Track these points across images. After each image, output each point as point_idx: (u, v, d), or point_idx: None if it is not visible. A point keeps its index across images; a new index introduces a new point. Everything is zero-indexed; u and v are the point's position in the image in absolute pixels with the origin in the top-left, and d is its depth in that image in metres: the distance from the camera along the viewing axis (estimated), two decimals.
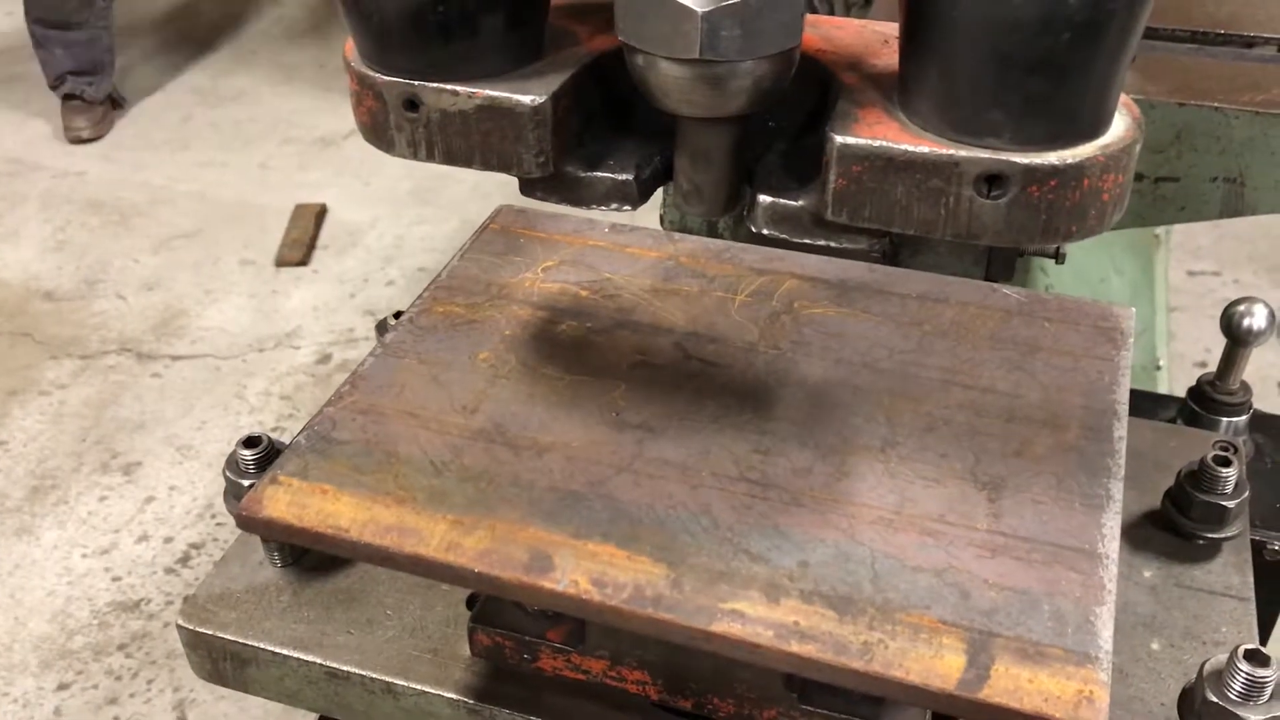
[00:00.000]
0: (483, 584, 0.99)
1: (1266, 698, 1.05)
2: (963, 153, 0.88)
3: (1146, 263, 2.53)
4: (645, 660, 1.13)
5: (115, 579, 2.95)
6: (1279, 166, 1.61)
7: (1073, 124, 0.89)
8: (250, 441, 1.27)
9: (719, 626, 0.94)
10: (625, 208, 1.05)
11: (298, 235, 4.20)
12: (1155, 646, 1.25)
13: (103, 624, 2.84)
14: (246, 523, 1.04)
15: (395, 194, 4.43)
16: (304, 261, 4.10)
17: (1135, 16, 0.86)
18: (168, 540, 3.06)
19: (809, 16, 1.01)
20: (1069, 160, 0.87)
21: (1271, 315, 1.58)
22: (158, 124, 5.02)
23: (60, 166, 4.68)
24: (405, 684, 1.21)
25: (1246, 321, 1.57)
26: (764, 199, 1.00)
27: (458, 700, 1.20)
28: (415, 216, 4.27)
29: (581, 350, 1.26)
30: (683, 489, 1.07)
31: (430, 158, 1.03)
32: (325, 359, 3.64)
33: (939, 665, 0.91)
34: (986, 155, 0.88)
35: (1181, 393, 1.68)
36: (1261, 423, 1.69)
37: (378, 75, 1.01)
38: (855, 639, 0.93)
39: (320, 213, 4.33)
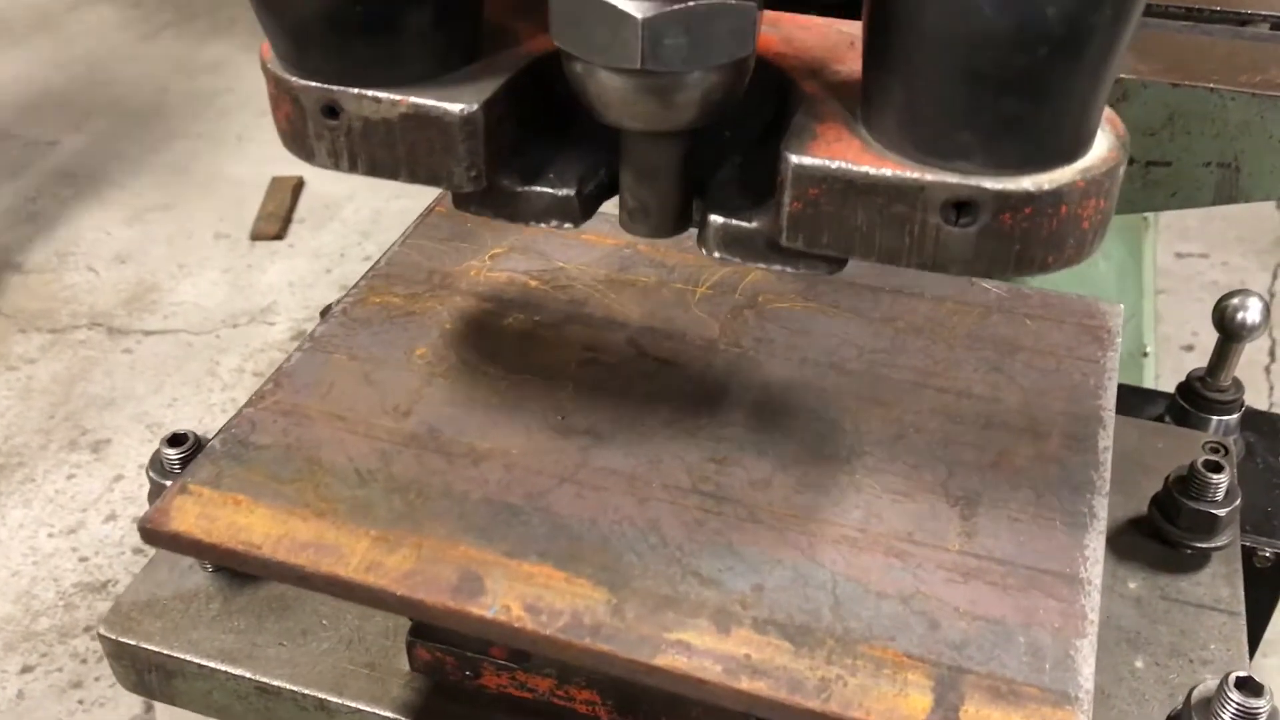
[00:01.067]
0: (405, 609, 0.92)
1: None
2: (929, 176, 0.79)
3: (1135, 246, 2.47)
4: (595, 680, 1.06)
5: (82, 559, 2.90)
6: (1275, 151, 1.54)
7: (1050, 146, 0.80)
8: (175, 439, 1.19)
9: (663, 660, 0.87)
10: (566, 225, 0.96)
11: (274, 208, 4.16)
12: (1139, 664, 1.18)
13: (69, 605, 2.80)
14: (151, 536, 0.96)
15: None
16: (280, 235, 4.07)
17: (1121, 29, 0.76)
18: (137, 520, 3.00)
19: (769, 14, 0.92)
20: (1045, 186, 0.79)
21: (1266, 308, 1.51)
22: (132, 93, 4.93)
23: (31, 135, 4.59)
24: (340, 701, 1.14)
25: (1241, 315, 1.50)
26: (715, 220, 0.91)
27: (395, 718, 1.13)
28: (394, 190, 4.17)
29: (527, 347, 1.18)
30: (630, 502, 0.99)
31: (353, 169, 0.93)
32: (300, 335, 3.57)
33: (903, 706, 0.83)
34: (955, 180, 0.79)
35: (1168, 377, 1.61)
36: (1253, 420, 1.63)
37: (294, 79, 0.91)
38: (812, 674, 0.86)
39: (297, 186, 4.28)
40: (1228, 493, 1.26)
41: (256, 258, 3.94)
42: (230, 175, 4.34)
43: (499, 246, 1.30)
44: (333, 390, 1.10)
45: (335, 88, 0.90)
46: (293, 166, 4.39)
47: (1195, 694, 1.02)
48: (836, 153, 0.81)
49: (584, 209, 0.95)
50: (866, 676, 0.86)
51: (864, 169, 0.80)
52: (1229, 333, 1.52)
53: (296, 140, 0.94)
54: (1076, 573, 0.93)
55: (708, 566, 0.94)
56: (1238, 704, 0.97)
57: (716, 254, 0.92)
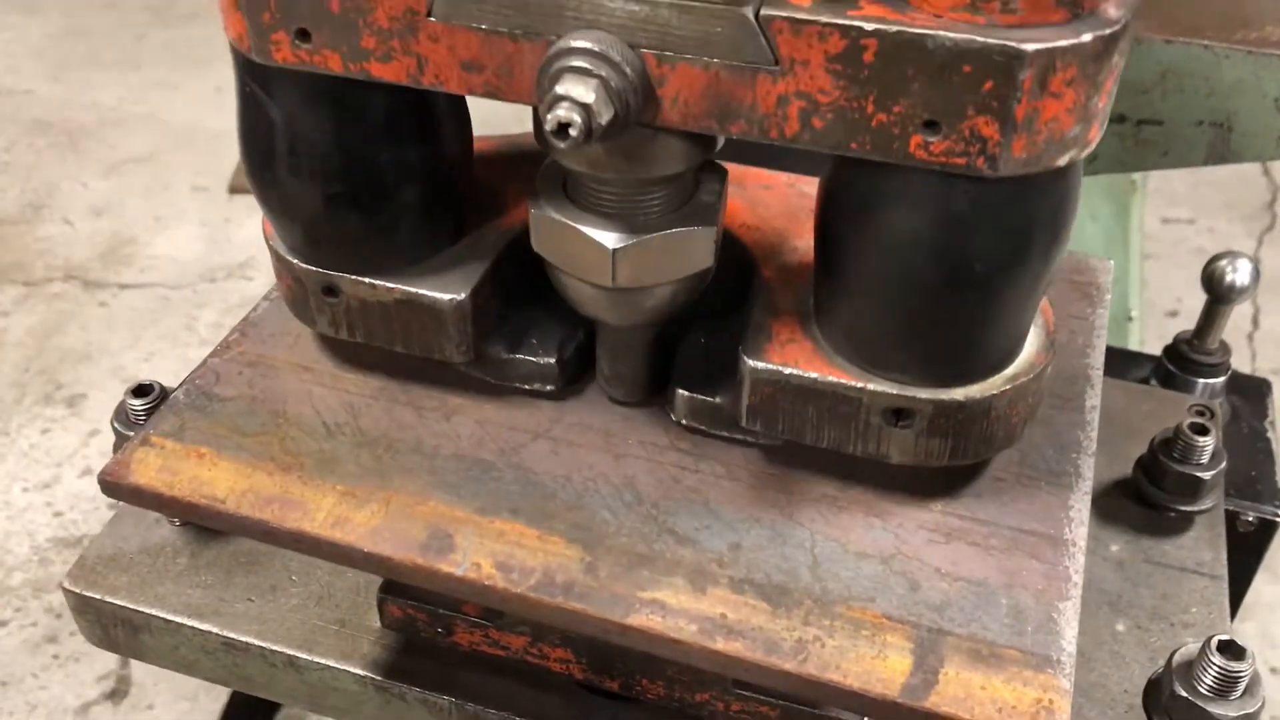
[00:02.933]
0: (373, 566, 0.89)
1: (1240, 692, 0.97)
2: (871, 386, 0.88)
3: (1122, 209, 2.44)
4: (569, 638, 1.04)
5: (57, 514, 2.88)
6: (1270, 112, 1.51)
7: (980, 362, 0.88)
8: (140, 390, 1.16)
9: (636, 619, 0.85)
10: (549, 387, 1.03)
11: None
12: (1120, 628, 1.17)
13: (43, 560, 2.78)
14: (111, 489, 0.93)
15: None
16: None
17: (1048, 266, 0.83)
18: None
19: (734, 171, 1.00)
20: (975, 396, 0.87)
21: (1255, 270, 1.49)
22: (109, 43, 4.86)
23: (5, 85, 4.51)
24: (309, 657, 1.13)
25: (1230, 277, 1.48)
26: (682, 393, 1.00)
27: (365, 676, 1.11)
28: None
29: None
30: (605, 459, 0.97)
31: (352, 337, 1.02)
32: None
33: (881, 668, 0.81)
34: (894, 391, 0.88)
35: (1152, 343, 1.60)
36: (1239, 384, 1.61)
37: (296, 262, 0.98)
38: (789, 636, 0.83)
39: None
40: (1213, 455, 1.25)
41: (235, 211, 3.90)
42: (208, 127, 4.27)
43: None
44: (300, 340, 1.07)
45: (333, 273, 0.98)
46: None
47: (1176, 657, 1.01)
48: (789, 357, 0.90)
49: (564, 374, 1.03)
50: (845, 638, 0.84)
51: (812, 375, 0.89)
52: (1217, 295, 1.50)
53: (299, 307, 1.02)
54: (1061, 534, 0.91)
55: (684, 524, 0.92)
56: (1220, 667, 0.96)
57: (683, 421, 1.00)
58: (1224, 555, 1.25)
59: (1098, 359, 1.08)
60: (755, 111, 0.77)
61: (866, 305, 0.86)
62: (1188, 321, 1.42)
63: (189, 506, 0.92)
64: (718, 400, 0.98)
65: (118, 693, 2.52)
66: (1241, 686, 0.97)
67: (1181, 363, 1.57)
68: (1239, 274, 1.48)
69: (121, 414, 1.17)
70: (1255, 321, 3.33)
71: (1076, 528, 0.92)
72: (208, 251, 3.70)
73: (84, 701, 2.50)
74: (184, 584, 1.19)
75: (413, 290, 0.96)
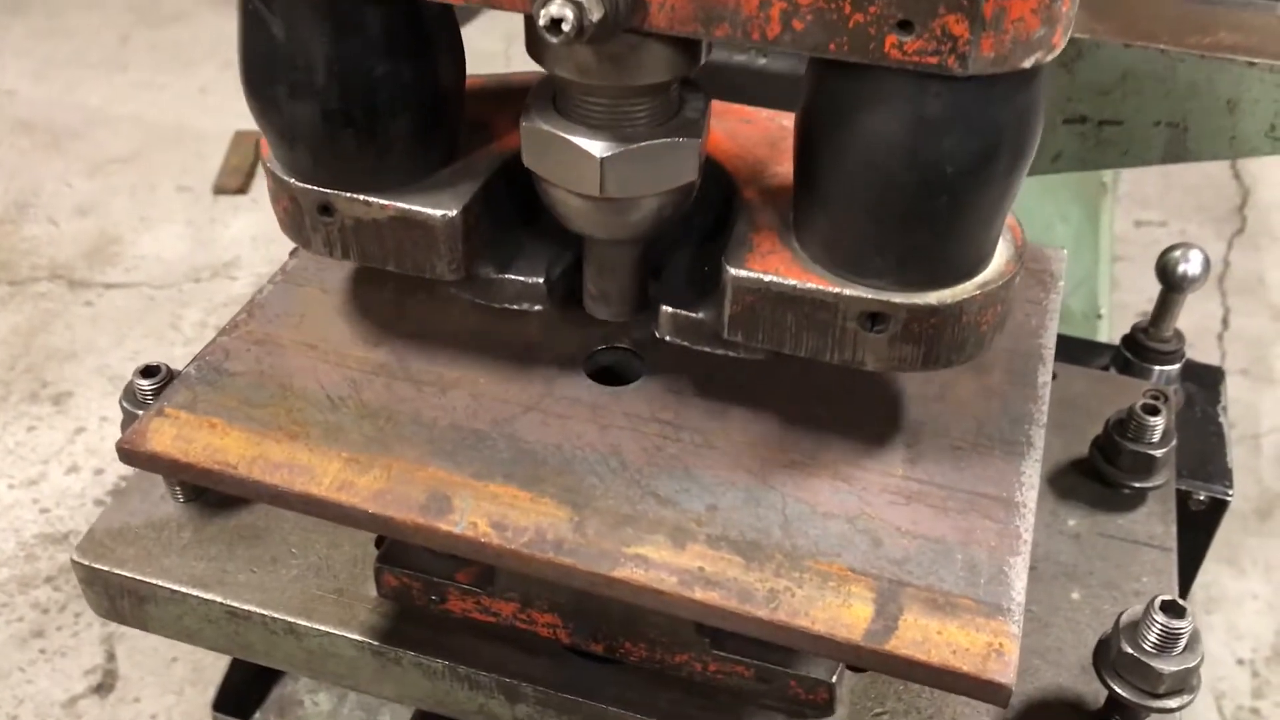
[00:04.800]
0: (376, 525, 0.95)
1: (1181, 649, 1.04)
2: (847, 291, 0.91)
3: (1092, 211, 2.51)
4: (556, 603, 1.10)
5: (43, 510, 2.87)
6: (1221, 113, 1.58)
7: (952, 267, 0.92)
8: (148, 371, 1.22)
9: (621, 572, 0.91)
10: (536, 307, 1.07)
11: (237, 162, 4.09)
12: (1076, 596, 1.24)
13: (29, 556, 2.77)
14: (129, 456, 0.99)
15: None
16: (243, 189, 4.00)
17: (1013, 179, 0.87)
18: (98, 472, 2.98)
19: (717, 105, 1.03)
20: (948, 300, 0.90)
21: (1206, 261, 1.56)
22: (94, 43, 4.85)
23: None
24: (308, 624, 1.18)
25: (1182, 268, 1.56)
26: (666, 310, 1.03)
27: (362, 642, 1.17)
28: None
29: None
30: (592, 429, 1.03)
31: (346, 257, 1.04)
32: None
33: (845, 615, 0.88)
34: (869, 295, 0.91)
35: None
36: (1193, 372, 1.68)
37: (292, 181, 1.01)
38: (761, 586, 0.90)
39: (261, 140, 4.22)
40: (1164, 435, 1.31)
41: (219, 211, 3.87)
42: (193, 128, 4.26)
43: None
44: (304, 321, 1.13)
45: (329, 191, 1.00)
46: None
47: (1123, 618, 1.07)
48: (769, 265, 0.94)
49: (551, 294, 1.07)
50: (813, 588, 0.90)
51: (791, 282, 0.92)
52: (1171, 284, 1.57)
53: (294, 229, 1.05)
54: (1013, 496, 0.98)
55: (665, 488, 0.98)
56: (1162, 625, 1.03)
57: (668, 337, 1.04)
58: (1174, 529, 1.31)
59: (1050, 339, 1.15)
60: (738, 14, 0.80)
61: (842, 212, 0.90)
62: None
63: (203, 472, 0.98)
64: (700, 315, 1.01)
65: (104, 686, 2.51)
66: (1182, 643, 1.03)
67: (1138, 350, 1.64)
68: (1190, 264, 1.56)
69: (130, 394, 1.22)
70: (1225, 322, 3.40)
71: (1027, 491, 0.99)
72: (192, 251, 3.68)
73: (71, 695, 2.49)
74: (188, 557, 1.23)
75: (406, 207, 0.99)
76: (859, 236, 0.90)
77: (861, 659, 0.87)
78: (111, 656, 2.55)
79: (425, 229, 0.99)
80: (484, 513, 0.95)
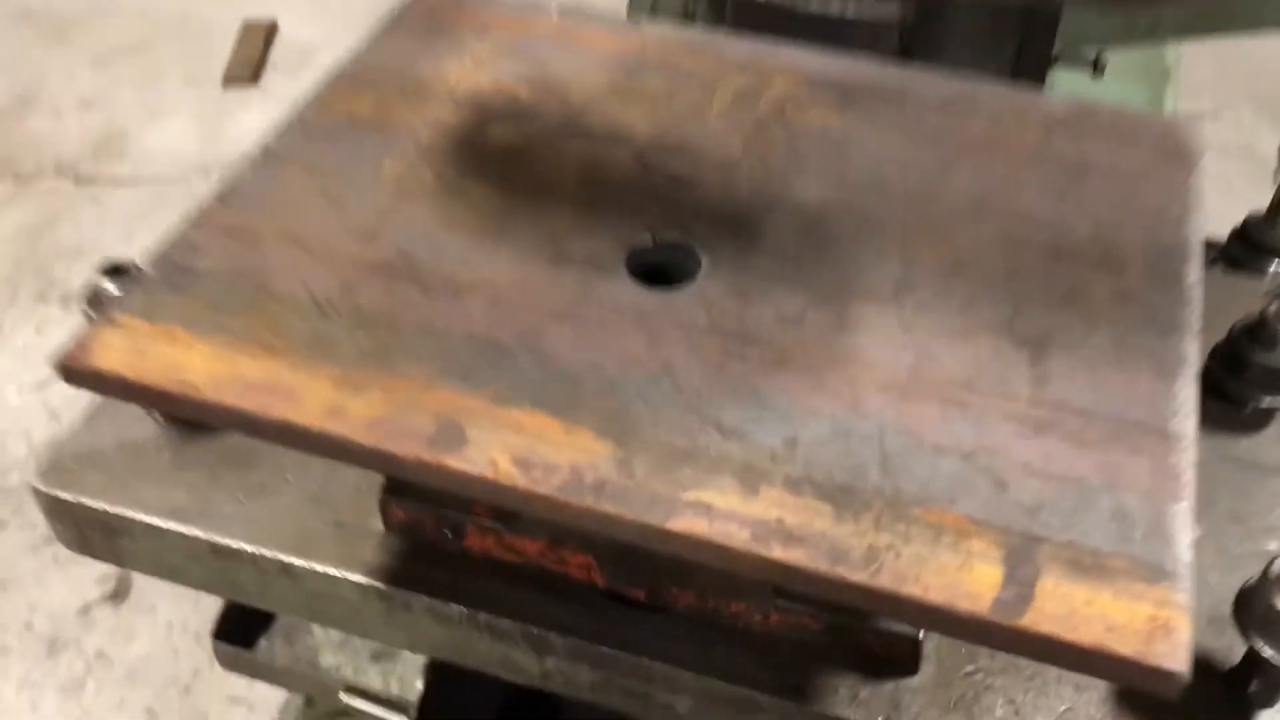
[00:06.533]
0: (373, 461, 0.78)
1: None
2: None
3: (1156, 97, 2.36)
4: (591, 542, 0.94)
5: (53, 414, 2.85)
6: None
7: None
8: (115, 270, 1.05)
9: (679, 524, 0.73)
10: None
11: (246, 53, 4.09)
12: (1195, 533, 1.08)
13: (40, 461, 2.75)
14: (71, 375, 0.82)
15: (350, 11, 4.24)
16: (254, 80, 3.94)
17: None
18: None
19: None
20: None
21: None
22: None
23: None
24: (304, 563, 1.03)
25: None
26: None
27: (367, 584, 1.02)
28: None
29: (517, 163, 1.02)
30: (638, 342, 0.85)
31: None
32: None
33: (967, 580, 0.70)
34: None
35: None
36: None
37: None
38: (858, 543, 0.72)
39: (270, 30, 4.18)
40: None
41: (228, 104, 3.87)
42: (201, 18, 4.20)
43: (484, 48, 1.13)
44: (287, 209, 0.95)
45: None
46: (265, 9, 4.30)
47: (1274, 567, 0.90)
48: None
49: None
50: (923, 545, 0.72)
51: None
52: None
53: None
54: (1166, 425, 0.80)
55: (731, 416, 0.80)
56: None
57: None
58: None
59: (1196, 230, 0.96)
60: None
61: None
62: (1213, 221, 1.33)
63: (159, 394, 0.80)
64: None
65: (119, 594, 2.52)
66: None
67: (1252, 245, 1.46)
68: None
69: (95, 298, 1.05)
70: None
71: (1185, 419, 0.80)
72: (202, 145, 3.66)
73: (85, 602, 2.49)
74: (166, 484, 1.09)
75: None
76: None
77: (990, 637, 0.69)
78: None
79: None
80: (506, 446, 0.77)
